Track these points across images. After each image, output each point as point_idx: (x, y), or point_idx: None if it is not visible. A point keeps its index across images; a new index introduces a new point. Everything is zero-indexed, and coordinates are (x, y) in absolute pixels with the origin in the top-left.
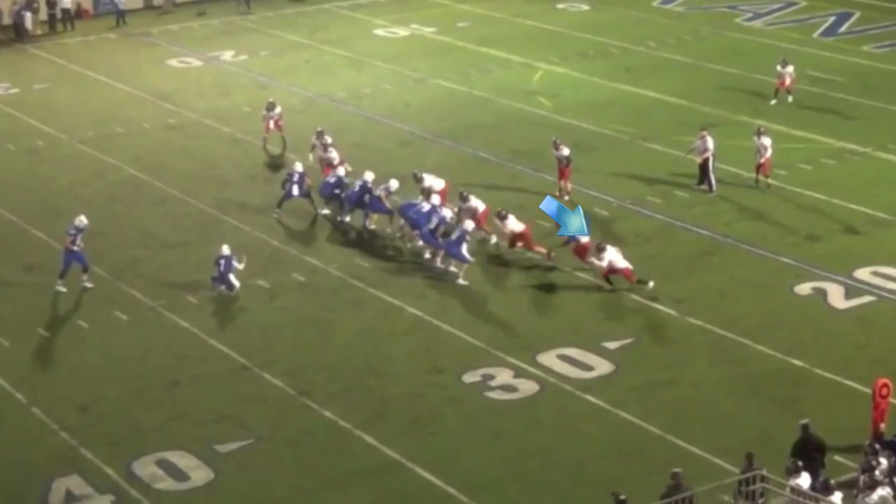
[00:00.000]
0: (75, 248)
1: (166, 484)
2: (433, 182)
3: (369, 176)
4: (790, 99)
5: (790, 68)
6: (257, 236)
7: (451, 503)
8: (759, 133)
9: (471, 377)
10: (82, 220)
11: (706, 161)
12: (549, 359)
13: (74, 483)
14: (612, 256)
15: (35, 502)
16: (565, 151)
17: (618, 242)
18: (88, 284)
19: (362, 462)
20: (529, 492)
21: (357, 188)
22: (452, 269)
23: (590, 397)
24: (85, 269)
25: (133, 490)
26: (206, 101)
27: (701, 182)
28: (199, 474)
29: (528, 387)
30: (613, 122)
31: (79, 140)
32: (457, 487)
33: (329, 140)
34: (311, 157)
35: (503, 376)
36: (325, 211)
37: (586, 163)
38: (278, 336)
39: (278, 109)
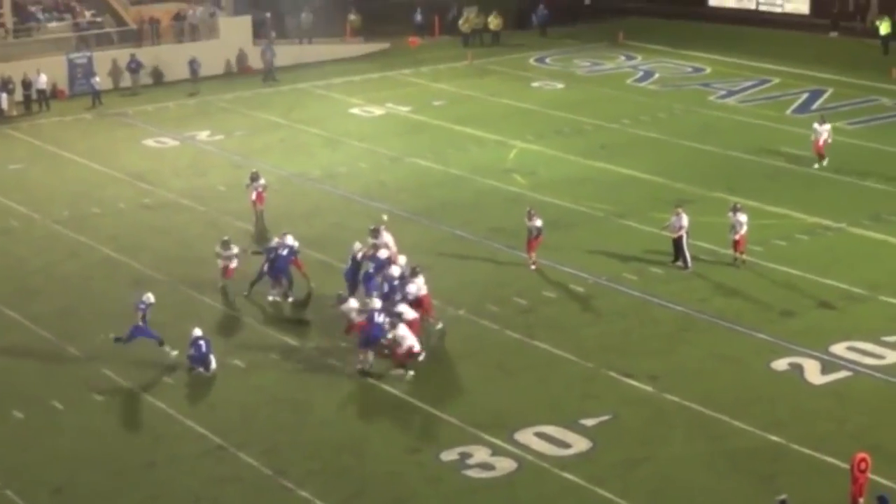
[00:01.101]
0: (141, 324)
1: None
2: (389, 241)
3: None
4: (825, 163)
5: (827, 126)
6: (233, 315)
7: None
8: (735, 210)
9: (448, 455)
10: (149, 296)
11: (680, 238)
12: (526, 436)
13: None
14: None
15: None
16: (538, 223)
17: (593, 320)
18: (174, 353)
19: None
20: None
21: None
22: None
23: (567, 475)
24: (160, 343)
25: None
26: (181, 181)
27: (676, 259)
28: None
29: (505, 465)
30: (589, 199)
31: (54, 220)
32: None
33: (262, 182)
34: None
35: (481, 454)
36: (271, 298)
37: (562, 240)
38: (255, 415)
39: (262, 180)
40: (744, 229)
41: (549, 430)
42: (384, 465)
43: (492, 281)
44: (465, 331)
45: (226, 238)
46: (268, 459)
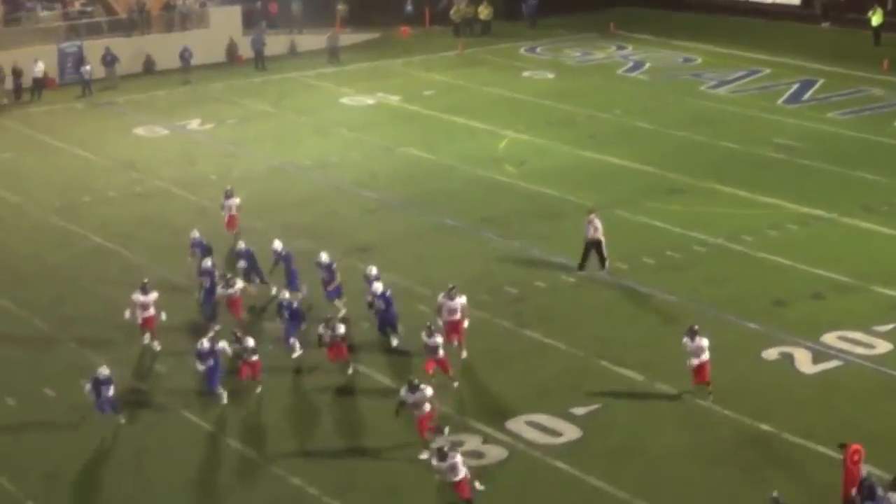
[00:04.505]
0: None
1: None
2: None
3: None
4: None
5: None
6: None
7: None
8: (693, 333)
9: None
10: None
11: (599, 242)
12: (517, 425)
13: None
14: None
15: None
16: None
17: (584, 310)
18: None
19: None
20: None
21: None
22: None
23: (558, 463)
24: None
25: None
26: (173, 170)
27: (582, 266)
28: None
29: (496, 453)
30: (579, 189)
31: (44, 209)
32: None
33: (236, 201)
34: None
35: (472, 443)
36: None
37: (551, 230)
38: (245, 403)
39: (237, 199)
40: (705, 355)
41: (540, 418)
42: (376, 454)
43: (483, 270)
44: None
45: (228, 276)
46: (259, 447)
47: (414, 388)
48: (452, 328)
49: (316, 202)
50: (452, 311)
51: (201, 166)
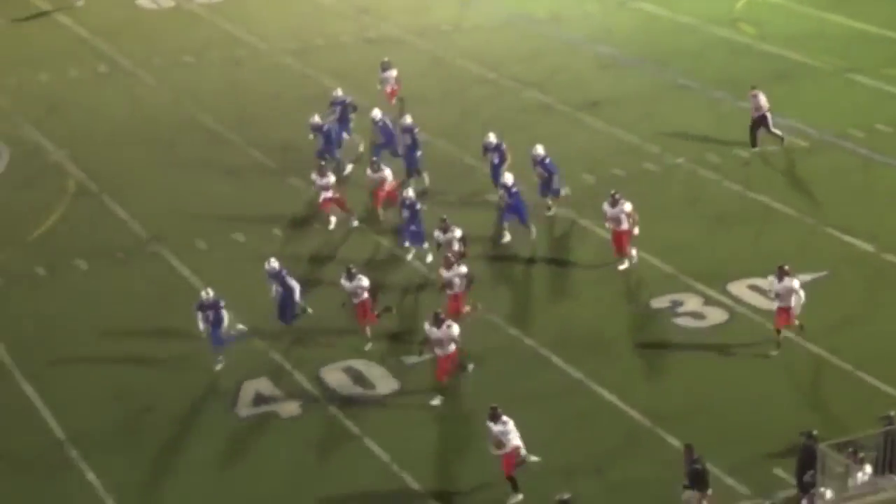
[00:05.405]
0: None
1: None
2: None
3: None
4: None
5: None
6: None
7: (633, 426)
8: (782, 274)
9: (659, 303)
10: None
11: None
12: (739, 288)
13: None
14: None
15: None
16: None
17: (814, 175)
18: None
19: (547, 383)
20: (714, 424)
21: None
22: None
23: None
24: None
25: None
26: (406, 17)
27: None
28: (385, 384)
29: (716, 315)
30: (818, 53)
31: (279, 51)
32: (639, 411)
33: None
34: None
35: (692, 303)
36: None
37: (786, 93)
38: None
39: (394, 71)
40: (794, 300)
41: (764, 283)
42: (593, 308)
43: (714, 131)
44: (683, 180)
45: (353, 269)
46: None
47: (439, 323)
48: (617, 239)
49: (547, 55)
50: (615, 220)
51: (434, 14)
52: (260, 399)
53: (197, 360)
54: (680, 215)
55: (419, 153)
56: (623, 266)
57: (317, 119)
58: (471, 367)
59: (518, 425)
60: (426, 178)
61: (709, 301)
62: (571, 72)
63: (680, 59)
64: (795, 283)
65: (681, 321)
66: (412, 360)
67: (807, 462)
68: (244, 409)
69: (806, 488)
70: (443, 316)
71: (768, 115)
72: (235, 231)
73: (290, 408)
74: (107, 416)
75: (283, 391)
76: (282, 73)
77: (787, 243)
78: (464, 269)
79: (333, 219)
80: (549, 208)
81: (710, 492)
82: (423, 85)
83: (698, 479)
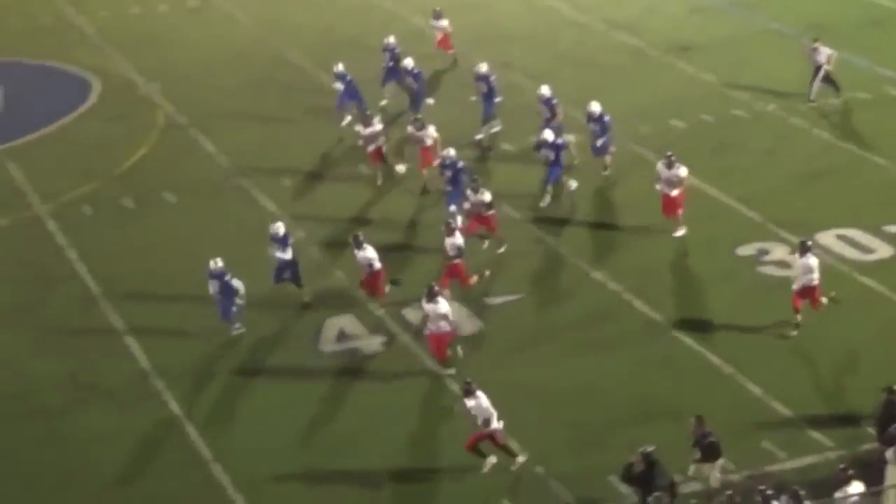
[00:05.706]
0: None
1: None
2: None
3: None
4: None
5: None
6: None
7: (714, 372)
8: (804, 250)
9: (745, 251)
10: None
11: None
12: (827, 238)
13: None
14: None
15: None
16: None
17: None
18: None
19: (627, 326)
20: (793, 371)
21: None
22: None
23: (866, 280)
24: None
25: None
26: None
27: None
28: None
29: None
30: None
31: None
32: (723, 357)
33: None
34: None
35: (778, 252)
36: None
37: (881, 40)
38: None
39: (445, 21)
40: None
41: (852, 233)
42: (674, 255)
43: (803, 76)
44: (771, 130)
45: (360, 237)
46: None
47: (431, 297)
48: (668, 203)
49: None
50: (670, 183)
51: None
52: (343, 336)
53: (281, 296)
54: (768, 163)
55: (498, 99)
56: (679, 233)
57: (340, 67)
58: (459, 348)
59: (599, 370)
60: (497, 125)
61: (796, 250)
62: (663, 15)
63: (771, 3)
64: (813, 261)
65: (766, 269)
66: (495, 300)
67: (889, 415)
68: (327, 345)
69: (889, 441)
70: (436, 290)
71: (824, 69)
72: (318, 168)
73: (373, 344)
74: (191, 350)
75: (367, 328)
76: (371, 11)
77: (877, 194)
78: (459, 240)
79: (401, 167)
80: (605, 168)
81: (721, 461)
82: (513, 28)
83: (712, 452)
